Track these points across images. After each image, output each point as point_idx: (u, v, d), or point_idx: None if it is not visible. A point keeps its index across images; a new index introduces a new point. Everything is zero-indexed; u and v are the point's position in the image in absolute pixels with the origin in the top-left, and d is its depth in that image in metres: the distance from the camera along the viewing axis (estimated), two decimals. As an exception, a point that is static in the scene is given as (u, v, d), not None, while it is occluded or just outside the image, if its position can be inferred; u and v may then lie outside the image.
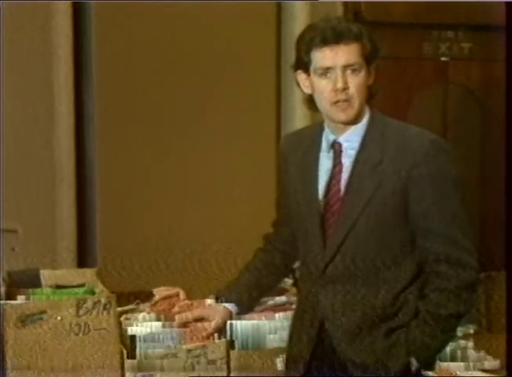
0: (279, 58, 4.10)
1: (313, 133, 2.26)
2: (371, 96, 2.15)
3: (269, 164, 3.52)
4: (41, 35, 3.75)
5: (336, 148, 2.17)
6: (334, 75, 2.08)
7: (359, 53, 2.08)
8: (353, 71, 2.08)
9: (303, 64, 2.13)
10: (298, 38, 2.16)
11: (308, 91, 2.17)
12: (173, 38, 3.90)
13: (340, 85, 2.07)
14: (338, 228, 2.14)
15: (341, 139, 2.17)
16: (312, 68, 2.11)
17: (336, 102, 2.10)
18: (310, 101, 2.19)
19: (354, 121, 2.14)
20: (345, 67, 2.07)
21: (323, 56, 2.08)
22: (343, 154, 2.16)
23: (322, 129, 2.22)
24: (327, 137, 2.20)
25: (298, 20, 4.00)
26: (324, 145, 2.21)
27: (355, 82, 2.08)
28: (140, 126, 3.91)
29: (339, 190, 2.15)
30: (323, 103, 2.12)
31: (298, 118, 4.01)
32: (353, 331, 2.14)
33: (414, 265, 2.15)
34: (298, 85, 2.20)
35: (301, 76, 2.17)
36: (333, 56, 2.07)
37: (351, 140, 2.15)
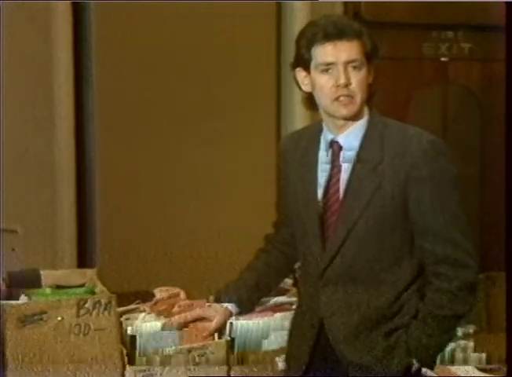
0: (279, 58, 4.09)
1: (312, 133, 2.25)
2: (369, 96, 2.15)
3: (269, 164, 3.51)
4: (41, 35, 3.75)
5: (335, 148, 2.17)
6: (336, 70, 2.07)
7: (360, 50, 2.08)
8: (355, 67, 2.08)
9: (303, 61, 2.12)
10: (298, 34, 2.15)
11: (307, 89, 2.16)
12: (172, 38, 3.90)
13: (342, 81, 2.07)
14: (338, 229, 2.13)
15: (339, 138, 2.16)
16: (313, 64, 2.10)
17: (337, 98, 2.09)
18: (309, 100, 2.18)
19: (355, 117, 2.13)
20: (347, 64, 2.07)
21: (325, 52, 2.07)
22: (342, 154, 2.16)
23: (320, 129, 2.22)
24: (326, 136, 2.19)
25: (298, 19, 3.99)
26: (323, 145, 2.20)
27: (357, 79, 2.08)
28: (140, 126, 3.90)
29: (338, 190, 2.15)
30: (324, 99, 2.11)
31: (297, 118, 4.01)
32: (353, 331, 2.14)
33: (413, 265, 2.15)
34: (297, 83, 2.19)
35: (300, 74, 2.16)
36: (335, 52, 2.06)
37: (349, 139, 2.15)
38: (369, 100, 2.15)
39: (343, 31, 2.06)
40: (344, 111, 2.11)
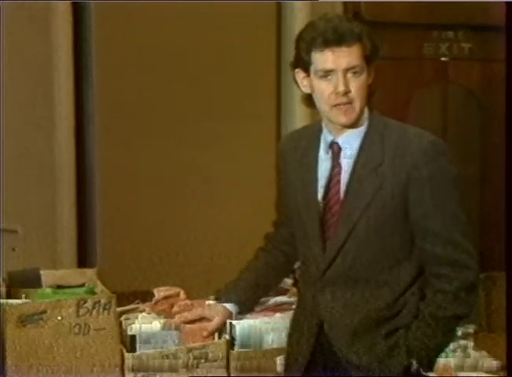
0: (279, 58, 4.09)
1: (312, 132, 2.24)
2: (369, 95, 2.13)
3: (269, 164, 3.51)
4: (41, 35, 3.75)
5: (335, 149, 2.16)
6: (336, 77, 2.05)
7: (360, 54, 2.05)
8: (355, 73, 2.05)
9: (302, 63, 2.11)
10: (297, 36, 2.13)
11: (306, 90, 2.15)
12: (172, 38, 3.90)
13: (341, 88, 2.05)
14: (338, 230, 2.13)
15: (339, 140, 2.16)
16: (312, 69, 2.09)
17: (337, 105, 2.08)
18: (309, 100, 2.17)
19: (355, 124, 2.12)
20: (346, 70, 2.05)
21: (324, 59, 2.05)
22: (342, 155, 2.15)
23: (320, 130, 2.21)
24: (326, 137, 2.19)
25: (298, 19, 3.99)
26: (323, 145, 2.20)
27: (356, 85, 2.06)
28: (140, 127, 3.90)
29: (339, 191, 2.14)
30: (323, 105, 2.10)
31: (297, 118, 4.01)
32: (353, 332, 2.13)
33: (414, 266, 2.15)
34: (296, 83, 2.18)
35: (299, 75, 2.15)
36: (334, 59, 2.04)
37: (350, 140, 2.14)
38: (368, 99, 2.14)
39: (343, 36, 2.03)
40: (343, 120, 2.10)
